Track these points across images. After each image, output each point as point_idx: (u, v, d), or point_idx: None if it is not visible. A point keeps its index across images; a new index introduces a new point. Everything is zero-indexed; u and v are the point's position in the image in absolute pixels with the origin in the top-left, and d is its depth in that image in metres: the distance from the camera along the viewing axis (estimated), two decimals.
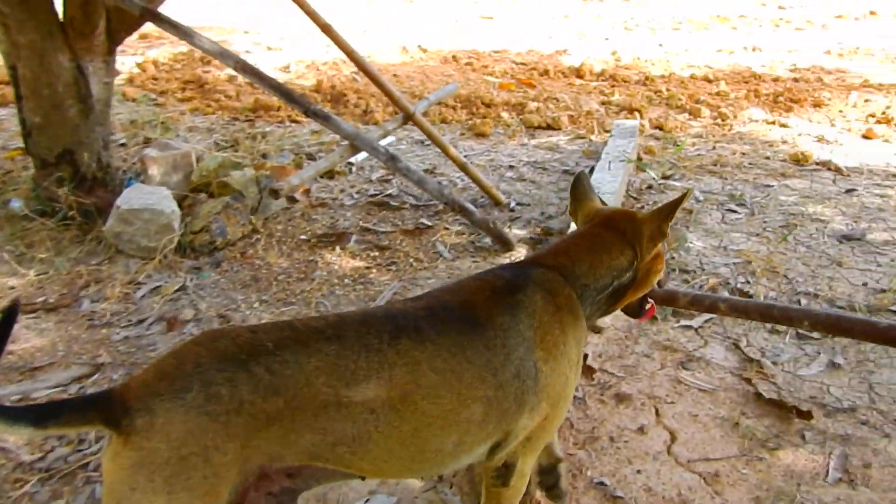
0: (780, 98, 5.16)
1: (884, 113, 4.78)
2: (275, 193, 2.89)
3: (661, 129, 4.66)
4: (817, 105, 5.04)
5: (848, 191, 3.74)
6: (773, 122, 4.78)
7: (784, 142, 4.47)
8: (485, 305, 1.29)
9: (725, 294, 2.77)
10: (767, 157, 4.21)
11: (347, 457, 1.18)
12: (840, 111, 4.93)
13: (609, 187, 3.40)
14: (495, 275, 1.39)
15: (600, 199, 1.65)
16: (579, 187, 1.62)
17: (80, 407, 1.10)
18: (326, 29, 2.96)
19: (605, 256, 1.45)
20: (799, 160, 4.12)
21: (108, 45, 3.08)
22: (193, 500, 1.06)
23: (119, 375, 2.31)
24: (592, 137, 4.50)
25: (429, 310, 1.27)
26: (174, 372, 1.09)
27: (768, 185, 3.84)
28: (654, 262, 1.52)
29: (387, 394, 1.16)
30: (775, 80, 5.72)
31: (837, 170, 4.00)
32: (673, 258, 3.03)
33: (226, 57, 2.73)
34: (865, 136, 4.54)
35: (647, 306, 1.66)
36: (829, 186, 3.82)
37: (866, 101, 5.06)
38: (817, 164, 4.10)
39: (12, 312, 1.15)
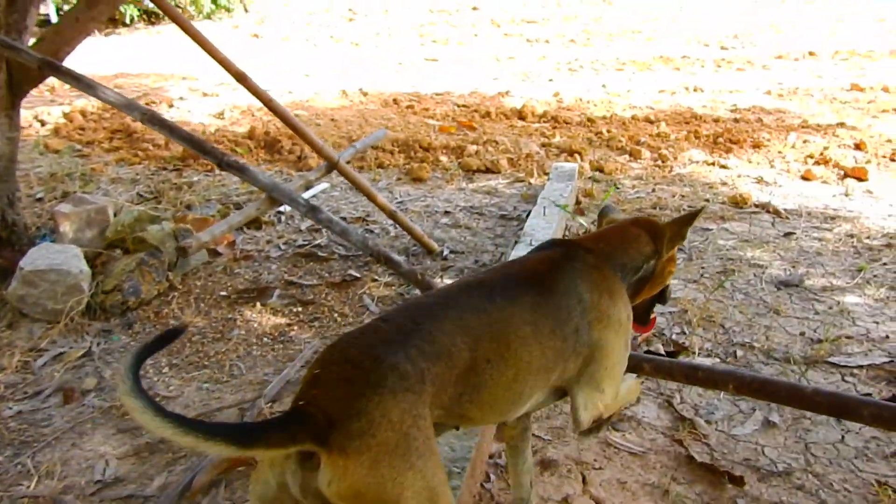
0: (721, 139, 5.16)
1: (822, 154, 4.80)
2: (183, 251, 2.73)
3: (601, 171, 4.61)
4: (757, 146, 5.05)
5: (786, 234, 3.71)
6: (713, 164, 4.77)
7: (724, 183, 4.45)
8: (549, 273, 1.49)
9: (659, 347, 2.68)
10: (707, 200, 4.18)
11: (466, 406, 1.33)
12: (779, 152, 4.94)
13: (544, 234, 3.31)
14: (552, 250, 1.59)
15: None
16: (607, 212, 1.90)
17: (286, 426, 1.12)
18: (241, 77, 2.82)
19: (634, 244, 1.67)
20: (738, 202, 4.09)
21: (10, 99, 2.91)
22: (427, 463, 1.17)
23: (5, 456, 2.11)
24: (532, 180, 4.43)
25: (507, 277, 1.48)
26: (357, 371, 1.18)
27: (707, 229, 3.79)
28: (669, 262, 1.73)
29: (497, 345, 1.34)
30: (716, 120, 5.74)
31: (776, 212, 3.98)
32: None
33: (131, 108, 2.59)
34: (804, 178, 4.54)
35: (652, 316, 1.85)
36: (767, 229, 3.79)
37: (805, 141, 5.09)
38: (756, 206, 4.07)
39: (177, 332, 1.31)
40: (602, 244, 1.64)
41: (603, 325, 1.50)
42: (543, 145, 5.06)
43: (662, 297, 1.82)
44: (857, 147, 4.96)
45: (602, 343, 1.50)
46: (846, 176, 4.54)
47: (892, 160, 4.79)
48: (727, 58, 8.71)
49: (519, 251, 3.09)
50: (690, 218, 1.69)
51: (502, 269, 1.56)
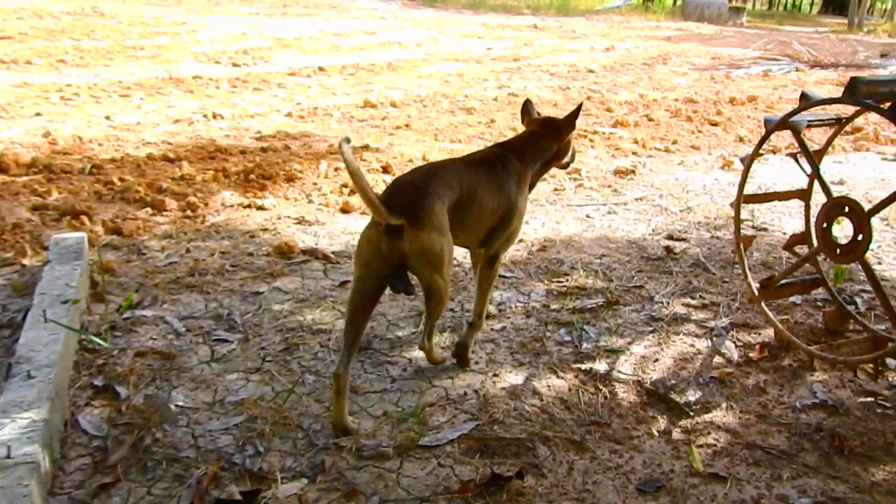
0: (252, 175, 4.69)
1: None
2: None
3: (118, 233, 3.75)
4: (291, 179, 4.70)
5: (342, 283, 3.41)
6: (250, 206, 4.27)
7: (265, 229, 3.98)
8: (493, 161, 2.58)
9: (233, 490, 2.06)
10: (251, 254, 3.66)
11: (456, 228, 2.34)
12: (314, 184, 4.67)
13: (47, 356, 2.38)
14: (494, 150, 2.70)
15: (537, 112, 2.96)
16: (528, 108, 2.94)
17: (391, 209, 2.11)
18: None
19: (541, 142, 2.75)
20: (284, 252, 3.67)
21: None
22: (448, 239, 2.27)
23: None
24: (25, 262, 3.37)
25: (473, 159, 2.62)
26: (417, 189, 2.26)
27: (258, 293, 3.27)
28: (566, 145, 2.82)
29: (474, 191, 2.42)
30: (243, 152, 5.26)
31: (326, 258, 3.66)
32: (157, 439, 2.21)
33: None
34: (344, 210, 4.34)
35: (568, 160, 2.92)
36: (322, 281, 3.43)
37: (336, 169, 4.91)
38: (304, 252, 3.70)
39: None
40: (520, 145, 2.69)
41: (518, 196, 2.58)
42: (36, 208, 3.94)
43: (566, 166, 2.98)
44: (385, 170, 4.98)
45: (515, 207, 2.58)
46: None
47: None
48: (241, 76, 8.34)
49: (14, 393, 2.15)
50: (575, 113, 2.76)
51: (469, 156, 2.70)
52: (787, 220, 4.54)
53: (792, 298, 3.40)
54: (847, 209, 2.66)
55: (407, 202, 2.17)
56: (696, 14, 22.96)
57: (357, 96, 7.61)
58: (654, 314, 3.21)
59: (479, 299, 2.74)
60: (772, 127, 2.89)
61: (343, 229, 4.07)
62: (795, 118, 2.86)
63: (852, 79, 2.57)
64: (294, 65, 9.26)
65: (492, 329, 3.05)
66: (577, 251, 3.89)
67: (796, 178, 5.13)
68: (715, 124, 7.08)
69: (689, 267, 3.75)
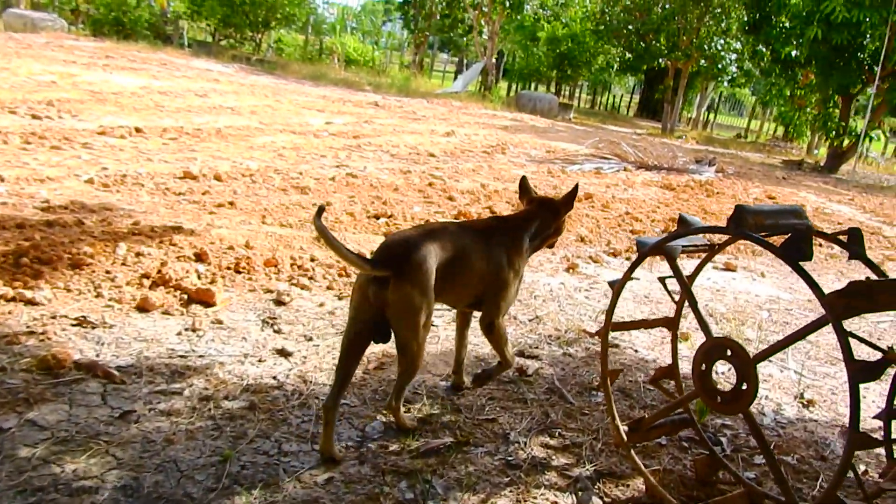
0: (27, 257, 3.78)
1: (160, 272, 3.91)
2: None
3: None
4: (77, 265, 3.85)
5: (124, 414, 2.65)
6: (14, 299, 3.38)
7: (30, 333, 3.13)
8: (489, 231, 2.83)
9: None
10: (2, 369, 2.80)
11: (443, 287, 2.57)
12: (107, 272, 3.84)
13: None
14: (492, 221, 2.96)
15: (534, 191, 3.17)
16: (525, 185, 3.15)
17: (380, 263, 2.45)
18: None
19: (539, 222, 2.99)
20: (51, 366, 2.85)
21: None
22: (430, 299, 2.48)
23: None
24: None
25: (471, 227, 2.86)
26: (409, 245, 2.47)
27: (3, 430, 2.44)
28: (561, 224, 3.08)
29: (466, 255, 2.67)
30: (20, 226, 4.29)
31: (107, 375, 2.88)
32: None
33: None
34: (141, 308, 3.56)
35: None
36: (97, 410, 2.65)
37: (138, 255, 4.10)
38: (78, 367, 2.90)
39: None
40: (519, 222, 2.97)
41: (509, 269, 2.81)
42: None
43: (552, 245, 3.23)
44: (199, 258, 4.25)
45: (505, 279, 2.81)
46: (191, 300, 3.74)
47: (238, 271, 4.23)
48: (39, 130, 7.23)
49: None
50: (573, 193, 3.06)
51: (470, 222, 3.10)
52: (637, 335, 4.31)
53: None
54: (729, 352, 2.35)
55: (397, 255, 2.45)
56: (529, 106, 24.03)
57: (177, 164, 6.79)
58: (510, 459, 2.72)
59: (499, 353, 3.01)
60: (645, 251, 2.56)
61: (137, 334, 3.30)
62: (671, 243, 2.55)
63: (738, 208, 2.29)
64: (107, 122, 8.24)
65: (315, 483, 2.42)
66: (419, 370, 3.36)
67: (648, 289, 5.08)
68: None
69: (545, 393, 3.33)
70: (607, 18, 26.51)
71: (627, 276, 2.64)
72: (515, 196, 7.79)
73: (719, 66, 25.69)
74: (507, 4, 25.60)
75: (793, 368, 4.16)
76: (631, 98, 44.39)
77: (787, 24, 19.79)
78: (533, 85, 36.70)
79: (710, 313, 4.93)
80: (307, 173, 7.34)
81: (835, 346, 4.68)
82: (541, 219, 2.99)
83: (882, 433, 2.74)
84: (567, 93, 36.78)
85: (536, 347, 3.88)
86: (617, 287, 2.68)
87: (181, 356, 3.17)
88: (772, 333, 4.75)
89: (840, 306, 2.02)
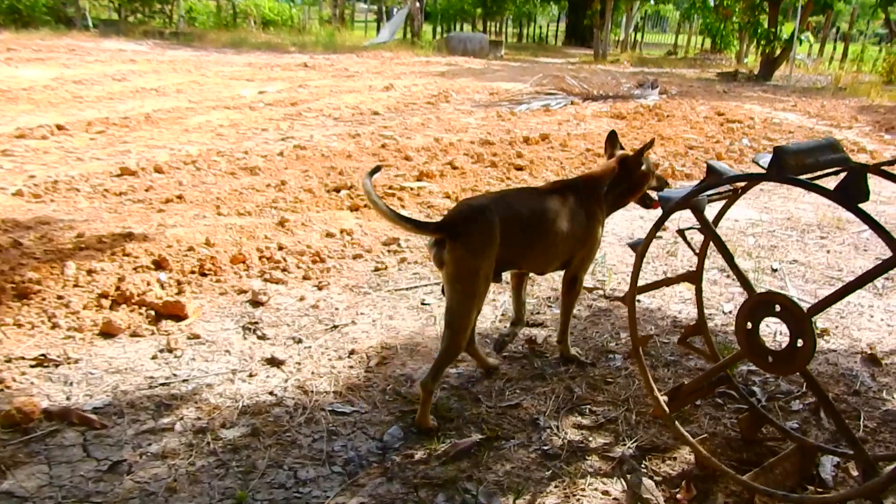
0: None
1: (119, 288, 3.53)
2: None
3: None
4: (24, 295, 3.44)
5: (112, 466, 2.33)
6: None
7: None
8: (564, 190, 2.80)
9: None
10: None
11: (528, 259, 2.71)
12: (59, 297, 3.45)
13: None
14: (569, 182, 2.88)
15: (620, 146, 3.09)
16: (612, 140, 3.09)
17: (438, 227, 2.50)
18: None
19: (611, 175, 2.90)
20: (18, 421, 2.50)
21: None
22: (483, 264, 2.47)
23: None
24: None
25: (547, 190, 2.81)
26: (471, 211, 2.51)
27: None
28: (641, 178, 2.95)
29: (542, 217, 2.66)
30: None
31: (84, 421, 2.55)
32: None
33: None
34: (105, 334, 3.21)
35: (652, 202, 3.01)
36: (81, 465, 2.33)
37: (90, 272, 3.70)
38: (50, 417, 2.56)
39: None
40: (594, 178, 2.91)
41: (588, 226, 2.82)
42: None
43: (644, 202, 3.04)
44: (159, 265, 3.87)
45: (586, 237, 2.82)
46: (160, 316, 3.40)
47: (204, 274, 3.87)
48: None
49: None
50: (644, 149, 2.85)
51: (543, 186, 2.89)
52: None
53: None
54: (779, 308, 2.15)
55: (455, 219, 2.52)
56: (459, 48, 23.46)
57: (110, 161, 6.28)
58: (546, 449, 2.51)
59: (562, 319, 3.09)
60: (671, 206, 2.32)
61: (107, 366, 2.95)
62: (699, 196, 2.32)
63: (777, 150, 2.05)
64: (24, 123, 7.59)
65: None
66: (424, 358, 3.11)
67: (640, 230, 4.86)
68: (520, 168, 6.72)
69: (560, 364, 3.11)
70: None
71: (651, 236, 2.40)
72: (473, 147, 7.50)
73: None
74: None
75: (795, 295, 4.03)
76: (557, 27, 43.91)
77: None
78: (458, 25, 35.93)
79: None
80: (252, 151, 6.89)
81: (828, 265, 4.59)
82: (617, 176, 2.92)
83: None
84: (494, 29, 36.13)
85: (538, 313, 3.66)
86: (640, 250, 2.44)
87: (163, 384, 2.85)
88: (765, 259, 4.63)
89: None
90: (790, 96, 14.97)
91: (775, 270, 4.47)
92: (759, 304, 2.19)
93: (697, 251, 2.77)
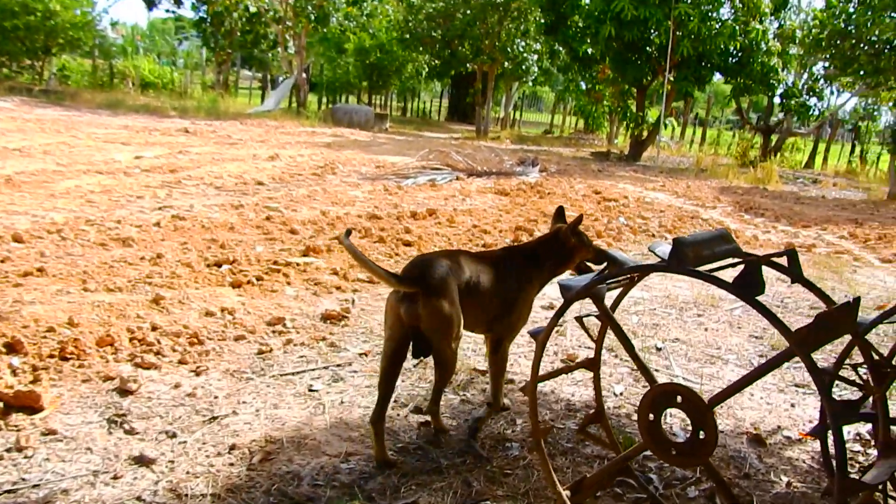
0: None
1: None
2: None
3: None
4: None
5: None
6: None
7: None
8: (502, 261, 3.02)
9: None
10: None
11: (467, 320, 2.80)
12: None
13: None
14: (506, 249, 3.22)
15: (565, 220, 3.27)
16: (560, 214, 3.30)
17: (410, 280, 2.66)
18: None
19: (548, 246, 3.11)
20: None
21: None
22: (458, 309, 2.70)
23: None
24: None
25: (484, 255, 3.07)
26: (435, 266, 2.70)
27: None
28: (574, 248, 3.09)
29: (478, 280, 2.86)
30: None
31: None
32: None
33: None
34: None
35: (585, 268, 3.13)
36: None
37: None
38: None
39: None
40: (529, 247, 3.16)
41: (520, 293, 3.01)
42: None
43: (579, 269, 3.14)
44: (12, 349, 3.46)
45: (518, 302, 3.01)
46: (10, 408, 3.00)
47: (65, 359, 3.50)
48: None
49: None
50: (576, 221, 3.09)
51: (483, 252, 3.23)
52: (522, 361, 4.08)
53: None
54: (680, 399, 2.13)
55: (423, 273, 2.67)
56: (345, 120, 23.63)
57: None
58: None
59: (492, 384, 3.22)
60: (572, 295, 2.29)
61: None
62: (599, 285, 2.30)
63: (676, 242, 2.07)
64: None
65: None
66: (312, 453, 2.90)
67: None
68: (408, 244, 6.66)
69: (457, 455, 2.98)
70: (412, 27, 26.67)
71: (553, 325, 2.36)
72: (361, 221, 7.41)
73: (523, 66, 26.68)
74: (312, 18, 24.99)
75: (680, 375, 4.12)
76: (440, 102, 45.24)
77: (581, 24, 20.90)
78: (344, 97, 36.31)
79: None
80: (126, 220, 6.49)
81: (707, 343, 4.75)
82: (553, 246, 3.11)
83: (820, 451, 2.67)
84: (379, 102, 36.77)
85: (428, 398, 3.52)
86: (542, 338, 2.39)
87: (8, 491, 2.49)
88: (649, 338, 4.73)
89: (810, 342, 1.85)
90: (658, 176, 15.93)
91: (659, 349, 4.57)
92: (661, 396, 2.17)
93: (595, 338, 2.75)
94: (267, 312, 4.49)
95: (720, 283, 1.96)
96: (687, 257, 2.06)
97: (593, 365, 2.72)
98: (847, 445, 3.34)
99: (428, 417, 3.21)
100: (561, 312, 2.32)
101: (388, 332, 2.77)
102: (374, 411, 2.78)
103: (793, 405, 3.81)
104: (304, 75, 26.46)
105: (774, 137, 23.86)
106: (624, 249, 7.80)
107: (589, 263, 3.15)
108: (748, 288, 1.93)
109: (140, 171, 9.41)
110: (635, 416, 3.42)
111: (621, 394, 3.76)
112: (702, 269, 2.08)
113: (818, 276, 7.25)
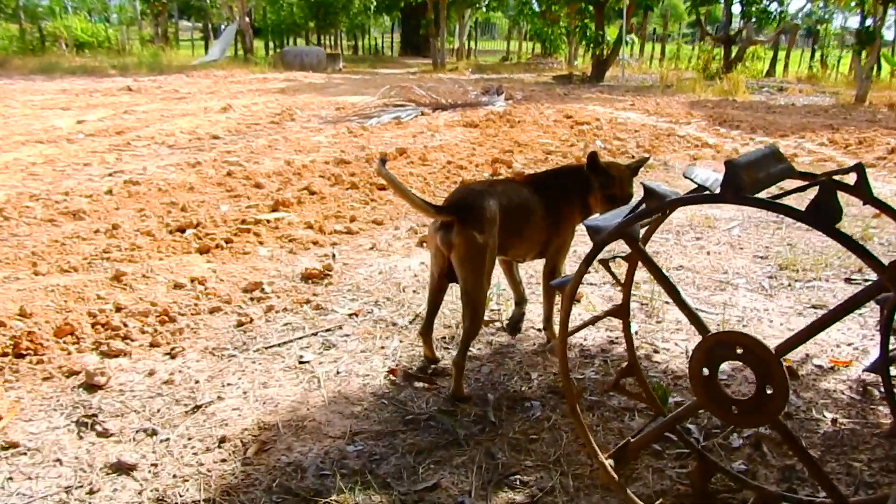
0: None
1: None
2: None
3: None
4: None
5: None
6: None
7: None
8: (543, 183, 3.03)
9: None
10: None
11: (506, 242, 2.78)
12: None
13: None
14: (546, 173, 3.22)
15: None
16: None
17: (447, 209, 2.63)
18: None
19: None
20: None
21: None
22: (492, 242, 2.65)
23: None
24: None
25: (527, 181, 3.03)
26: (475, 196, 2.69)
27: None
28: (609, 184, 2.98)
29: (522, 210, 2.85)
30: None
31: None
32: None
33: None
34: None
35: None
36: None
37: None
38: None
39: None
40: (568, 171, 3.13)
41: (565, 213, 3.00)
42: None
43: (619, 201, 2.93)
44: None
45: (563, 223, 3.01)
46: None
47: (20, 355, 3.10)
48: None
49: None
50: (591, 158, 2.96)
51: (521, 178, 3.12)
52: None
53: None
54: (741, 350, 1.83)
55: (460, 201, 2.68)
56: (296, 63, 22.72)
57: None
58: None
59: (545, 309, 3.24)
60: (604, 238, 1.96)
61: None
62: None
63: (729, 167, 1.74)
64: None
65: None
66: (313, 436, 2.58)
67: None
68: (383, 188, 6.27)
69: (475, 423, 2.68)
70: None
71: (581, 275, 2.03)
72: (329, 168, 6.98)
73: None
74: None
75: (693, 305, 3.85)
76: (392, 38, 43.92)
77: None
78: (291, 40, 34.97)
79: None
80: (75, 191, 5.97)
81: (713, 268, 4.49)
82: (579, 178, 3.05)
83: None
84: (328, 42, 35.52)
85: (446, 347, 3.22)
86: (569, 291, 2.06)
87: None
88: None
89: None
90: (625, 96, 15.56)
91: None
92: (717, 346, 1.87)
93: (622, 283, 2.44)
94: (241, 278, 4.11)
95: (791, 213, 1.64)
96: (743, 183, 1.73)
97: (622, 312, 2.41)
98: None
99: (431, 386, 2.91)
100: (591, 258, 1.98)
101: (432, 259, 2.83)
102: (423, 325, 2.98)
103: None
104: (246, 20, 25.26)
105: (735, 48, 23.49)
106: None
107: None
108: (825, 216, 1.61)
109: (84, 137, 8.78)
110: (661, 362, 3.17)
111: (636, 333, 3.49)
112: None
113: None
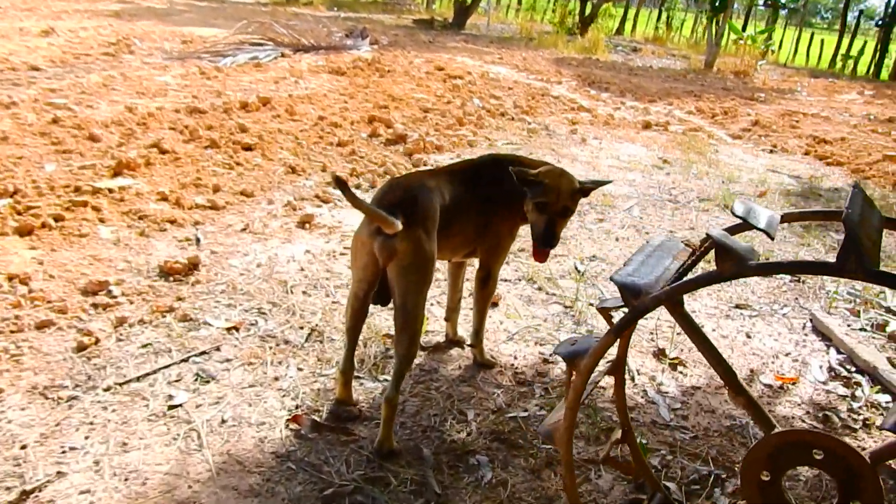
0: None
1: None
2: None
3: None
4: None
5: None
6: None
7: None
8: (476, 174, 2.62)
9: None
10: None
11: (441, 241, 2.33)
12: None
13: None
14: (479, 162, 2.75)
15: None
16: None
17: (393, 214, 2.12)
18: None
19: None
20: None
21: None
22: (434, 244, 2.25)
23: None
24: None
25: (451, 171, 2.60)
26: (414, 192, 2.27)
27: None
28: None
29: (454, 204, 2.41)
30: None
31: None
32: None
33: None
34: None
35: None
36: None
37: None
38: None
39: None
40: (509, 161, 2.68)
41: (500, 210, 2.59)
42: None
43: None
44: None
45: (497, 220, 2.59)
46: None
47: None
48: None
49: None
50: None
51: (455, 165, 2.74)
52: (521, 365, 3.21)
53: None
54: (819, 454, 1.38)
55: (405, 202, 2.22)
56: None
57: None
58: None
59: (475, 322, 2.81)
60: (647, 304, 1.41)
61: None
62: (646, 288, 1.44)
63: (849, 236, 1.24)
64: None
65: None
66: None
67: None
68: (249, 148, 5.40)
69: (411, 494, 2.10)
70: None
71: (605, 346, 1.48)
72: (180, 118, 5.97)
73: None
74: None
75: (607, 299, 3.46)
76: None
77: None
78: None
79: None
80: None
81: (627, 258, 4.12)
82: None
83: None
84: None
85: (329, 390, 2.58)
86: (588, 364, 1.51)
87: None
88: (563, 258, 4.03)
89: None
90: (490, 47, 15.13)
91: (582, 273, 3.89)
92: (786, 447, 1.41)
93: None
94: (79, 273, 3.22)
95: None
96: (864, 249, 1.24)
97: (618, 370, 1.91)
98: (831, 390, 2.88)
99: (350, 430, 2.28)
100: (623, 326, 1.44)
101: (359, 274, 2.28)
102: (343, 360, 2.43)
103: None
104: None
105: (590, 4, 23.69)
106: (489, 137, 7.01)
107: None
108: None
109: None
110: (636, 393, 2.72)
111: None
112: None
113: (687, 159, 6.94)
